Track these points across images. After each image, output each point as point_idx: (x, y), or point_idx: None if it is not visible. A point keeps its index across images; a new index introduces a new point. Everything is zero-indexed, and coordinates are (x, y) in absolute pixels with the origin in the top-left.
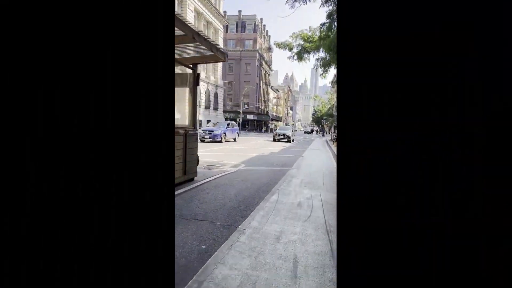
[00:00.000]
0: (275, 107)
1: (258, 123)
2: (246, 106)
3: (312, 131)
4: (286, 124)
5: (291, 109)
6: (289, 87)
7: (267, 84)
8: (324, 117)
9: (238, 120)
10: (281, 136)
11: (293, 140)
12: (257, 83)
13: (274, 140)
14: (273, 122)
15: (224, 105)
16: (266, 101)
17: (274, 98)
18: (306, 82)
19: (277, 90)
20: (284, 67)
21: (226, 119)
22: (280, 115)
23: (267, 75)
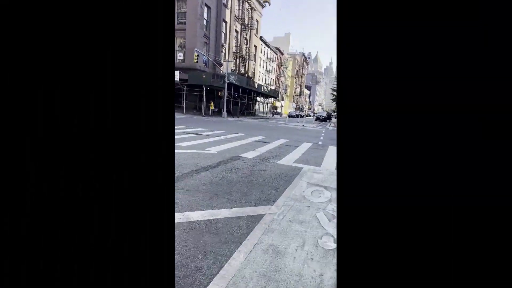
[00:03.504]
0: (272, 76)
1: (196, 92)
2: (180, 56)
3: (329, 116)
4: (299, 108)
5: (308, 88)
6: (304, 55)
7: (248, 27)
8: None
9: None
10: None
11: None
12: (202, 8)
13: None
14: (266, 99)
15: None
16: (245, 58)
17: (271, 61)
18: (332, 65)
19: (278, 49)
20: (307, 44)
21: None
22: (278, 89)
23: (249, 9)
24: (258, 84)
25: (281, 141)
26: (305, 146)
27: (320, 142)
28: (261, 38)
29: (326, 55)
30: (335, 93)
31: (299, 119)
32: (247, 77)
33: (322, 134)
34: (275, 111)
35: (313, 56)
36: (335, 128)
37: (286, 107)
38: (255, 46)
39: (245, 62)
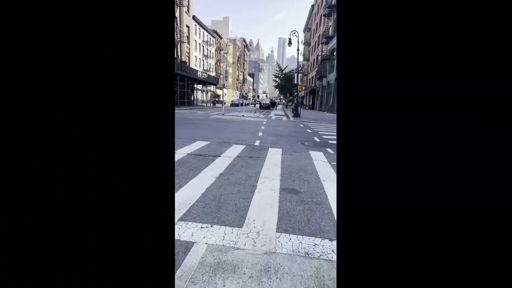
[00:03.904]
0: (211, 61)
1: None
2: None
3: (273, 104)
4: (243, 96)
5: (252, 76)
6: (244, 40)
7: (177, 3)
8: None
9: None
10: None
11: None
12: None
13: None
14: (206, 87)
15: None
16: (175, 40)
17: (209, 45)
18: (273, 52)
19: (215, 32)
20: (248, 32)
21: None
22: (219, 76)
23: None
24: (192, 69)
25: (196, 145)
26: (231, 154)
27: (257, 142)
28: (194, 17)
29: (267, 43)
30: (277, 79)
31: (239, 107)
32: (180, 61)
33: (263, 127)
34: (217, 99)
35: (254, 44)
36: (281, 117)
37: (229, 95)
38: (188, 26)
39: (177, 44)
